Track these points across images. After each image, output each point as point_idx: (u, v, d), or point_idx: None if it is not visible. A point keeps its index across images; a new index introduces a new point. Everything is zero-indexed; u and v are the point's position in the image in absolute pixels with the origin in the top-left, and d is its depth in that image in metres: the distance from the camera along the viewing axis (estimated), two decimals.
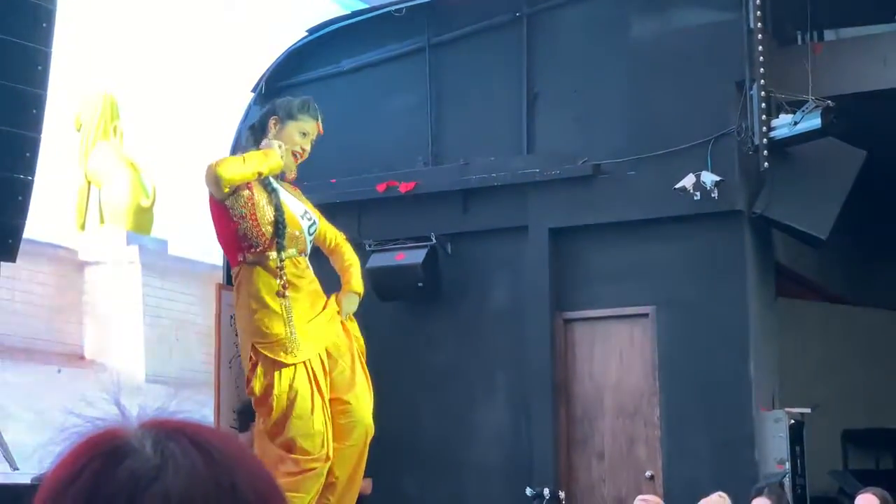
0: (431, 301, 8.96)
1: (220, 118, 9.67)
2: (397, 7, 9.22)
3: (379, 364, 8.92)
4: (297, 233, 4.54)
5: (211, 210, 4.62)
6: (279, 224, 4.47)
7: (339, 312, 4.79)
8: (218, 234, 4.64)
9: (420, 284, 8.84)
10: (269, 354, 4.48)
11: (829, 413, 9.76)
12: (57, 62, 6.52)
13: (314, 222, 4.71)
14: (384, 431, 8.17)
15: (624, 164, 8.41)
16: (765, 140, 7.98)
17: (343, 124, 9.69)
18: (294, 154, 4.80)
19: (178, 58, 13.67)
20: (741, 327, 8.12)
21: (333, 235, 4.97)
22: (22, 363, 11.16)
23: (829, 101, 7.86)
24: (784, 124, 7.97)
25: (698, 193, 8.02)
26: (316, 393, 4.43)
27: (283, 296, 4.47)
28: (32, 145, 6.38)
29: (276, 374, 4.46)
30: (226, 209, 4.52)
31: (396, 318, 9.12)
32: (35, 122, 6.39)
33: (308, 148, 4.83)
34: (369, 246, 9.07)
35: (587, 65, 8.74)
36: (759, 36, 8.04)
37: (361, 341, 5.03)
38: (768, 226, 8.37)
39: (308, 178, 9.66)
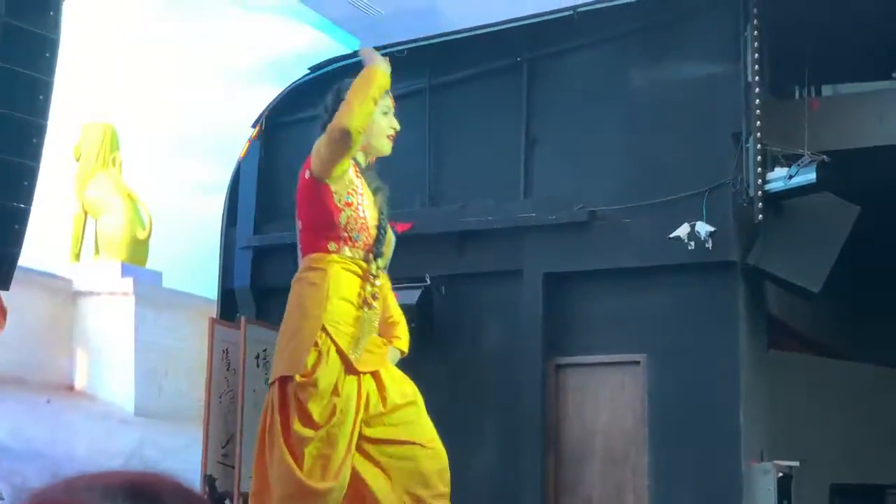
0: (424, 342, 8.94)
1: (219, 153, 9.69)
2: (399, 47, 9.29)
3: None
4: (388, 236, 4.23)
5: (304, 190, 4.14)
6: (381, 229, 4.11)
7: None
8: (306, 215, 4.16)
9: (413, 325, 8.82)
10: (345, 348, 4.07)
11: (818, 467, 9.75)
12: (58, 91, 6.55)
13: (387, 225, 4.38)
14: None
15: (620, 211, 8.45)
16: (760, 192, 8.03)
17: None
18: (389, 136, 4.31)
19: (179, 91, 13.75)
20: (732, 378, 8.12)
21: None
22: (11, 392, 11.12)
23: (825, 156, 7.92)
24: (779, 177, 8.02)
25: (692, 243, 8.06)
26: (356, 421, 4.08)
27: (371, 306, 4.06)
28: (31, 174, 6.40)
29: (342, 375, 4.01)
30: (329, 191, 4.06)
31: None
32: (35, 152, 6.41)
33: (397, 125, 4.31)
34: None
35: (586, 112, 8.80)
36: (757, 89, 8.11)
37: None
38: (761, 278, 8.39)
39: None
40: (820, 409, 10.64)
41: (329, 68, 9.60)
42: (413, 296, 8.85)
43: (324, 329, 4.02)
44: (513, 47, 9.01)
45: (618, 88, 8.76)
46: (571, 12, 8.55)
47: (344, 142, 3.88)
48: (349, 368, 4.02)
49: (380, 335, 4.28)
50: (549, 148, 8.90)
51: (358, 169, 4.15)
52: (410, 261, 9.03)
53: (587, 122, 8.77)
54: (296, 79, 9.80)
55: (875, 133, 8.83)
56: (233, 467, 8.37)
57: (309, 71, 9.66)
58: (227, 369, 8.57)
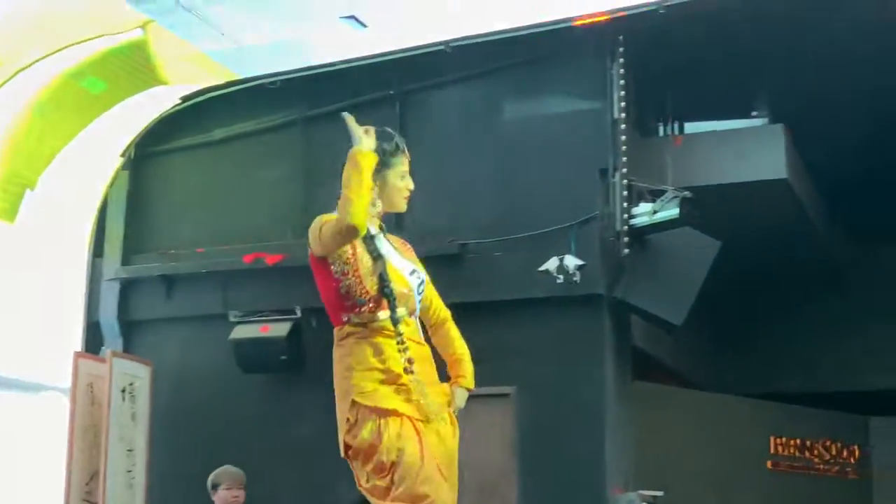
0: (295, 374, 8.91)
1: (84, 184, 9.51)
2: (272, 79, 9.26)
3: (241, 437, 8.86)
4: (406, 290, 4.05)
5: (313, 269, 4.10)
6: (383, 277, 3.98)
7: (448, 404, 4.16)
8: (321, 293, 4.14)
9: (284, 357, 8.80)
10: (369, 404, 3.89)
11: (681, 496, 9.93)
12: None
13: (423, 281, 4.16)
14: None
15: (490, 244, 8.54)
16: (625, 227, 8.20)
17: (213, 194, 9.67)
18: (405, 197, 4.17)
19: None
20: (598, 410, 8.24)
21: (439, 306, 4.35)
22: None
23: (688, 192, 8.11)
24: (644, 212, 8.19)
25: (561, 276, 8.16)
26: (425, 446, 3.97)
27: (411, 371, 3.93)
28: None
29: (382, 422, 3.90)
30: (327, 267, 4.00)
31: (260, 391, 9.04)
32: None
33: (412, 185, 4.18)
34: (234, 317, 9.01)
35: (458, 145, 8.89)
36: (623, 126, 8.29)
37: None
38: (627, 310, 8.50)
39: (175, 246, 9.62)
40: (683, 438, 10.86)
41: (199, 98, 9.52)
42: (284, 328, 8.80)
43: (353, 402, 3.97)
44: (386, 80, 9.05)
45: (489, 123, 8.87)
46: (444, 46, 8.64)
47: (351, 236, 3.86)
48: (380, 413, 3.96)
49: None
50: (421, 180, 8.87)
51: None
52: (281, 293, 9.01)
53: (459, 156, 8.85)
54: (166, 108, 9.67)
55: (735, 170, 9.11)
56: None
57: (180, 100, 9.56)
58: (92, 403, 8.38)
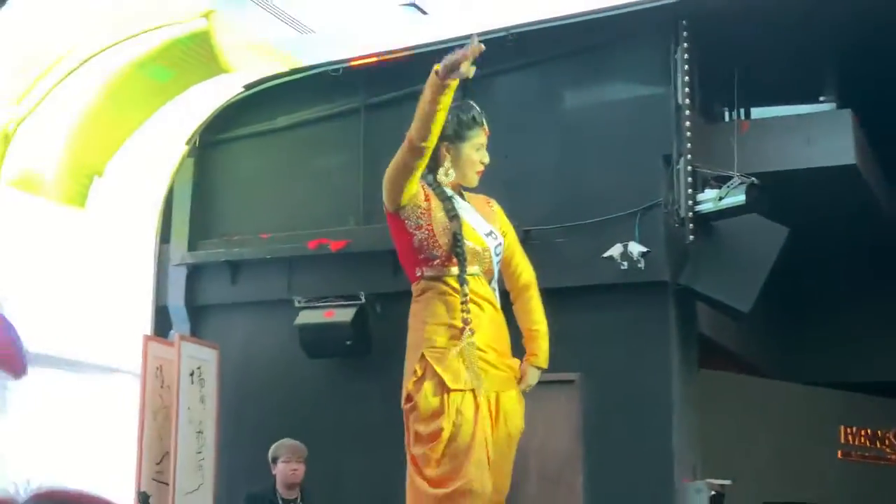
0: (360, 360, 8.96)
1: (151, 171, 9.61)
2: (335, 66, 9.30)
3: (305, 421, 8.93)
4: (480, 249, 4.02)
5: (390, 227, 4.16)
6: (456, 235, 3.96)
7: (518, 380, 4.09)
8: (398, 251, 4.20)
9: (349, 343, 8.85)
10: (438, 369, 3.87)
11: (749, 485, 9.87)
12: None
13: (500, 243, 4.14)
14: (312, 489, 8.14)
15: (553, 231, 8.51)
16: (690, 214, 8.13)
17: (276, 180, 9.75)
18: (478, 172, 4.18)
19: None
20: (664, 397, 8.20)
21: (523, 268, 4.28)
22: None
23: (754, 178, 8.03)
24: (709, 199, 8.12)
25: (625, 263, 8.12)
26: (479, 429, 3.87)
27: (467, 315, 3.87)
28: None
29: (446, 396, 3.86)
30: (402, 221, 4.02)
31: (325, 376, 9.11)
32: None
33: (487, 158, 4.19)
34: (299, 302, 9.08)
35: (520, 132, 8.86)
36: (687, 112, 8.22)
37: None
38: (692, 298, 8.45)
39: (240, 232, 9.72)
40: (750, 427, 10.77)
41: (263, 87, 9.58)
42: (348, 313, 8.85)
43: (423, 356, 3.98)
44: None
45: (551, 109, 8.84)
46: (505, 34, 8.61)
47: (412, 157, 3.86)
48: (446, 388, 3.94)
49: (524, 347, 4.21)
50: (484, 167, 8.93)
51: (434, 192, 4.07)
52: (345, 279, 9.06)
53: (521, 142, 8.83)
54: (230, 97, 9.75)
55: (803, 155, 8.99)
56: (167, 484, 8.30)
57: (243, 89, 9.64)
58: (161, 386, 8.50)
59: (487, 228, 4.13)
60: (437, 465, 3.90)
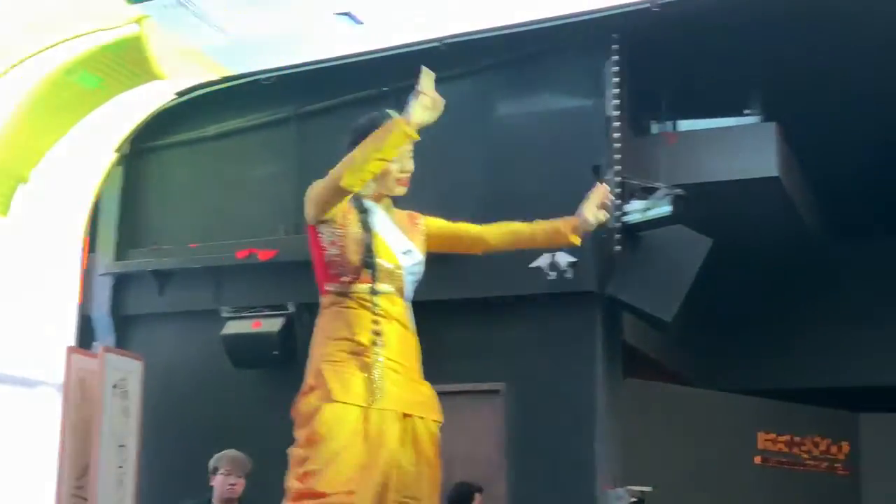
0: (287, 370, 8.91)
1: (78, 179, 9.50)
2: (266, 75, 9.27)
3: (232, 432, 8.86)
4: (392, 266, 3.91)
5: (309, 238, 4.08)
6: (369, 249, 3.87)
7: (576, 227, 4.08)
8: (313, 261, 4.09)
9: (276, 353, 8.81)
10: (330, 381, 3.75)
11: (670, 492, 9.98)
12: None
13: (418, 262, 4.02)
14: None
15: None
16: (618, 224, 8.22)
17: (206, 190, 9.68)
18: (398, 180, 4.00)
19: None
20: (589, 406, 8.26)
21: (470, 226, 4.22)
22: None
23: (680, 190, 8.14)
24: (637, 210, 8.22)
25: (553, 273, 8.18)
26: (361, 446, 3.75)
27: (377, 333, 3.79)
28: None
29: (328, 405, 3.76)
30: (317, 234, 3.98)
31: (251, 387, 9.06)
32: None
33: (411, 166, 4.03)
34: (226, 312, 9.03)
35: (451, 142, 8.89)
36: (616, 123, 8.32)
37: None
38: (618, 307, 8.52)
39: (168, 241, 9.63)
40: (672, 435, 10.90)
41: (194, 94, 9.52)
42: (276, 324, 8.82)
43: (319, 370, 3.90)
44: (381, 76, 9.06)
45: (482, 119, 8.89)
46: (438, 43, 8.65)
47: (335, 195, 3.77)
48: (331, 398, 3.85)
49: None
50: (414, 177, 8.93)
51: (353, 204, 4.00)
52: (273, 289, 9.02)
53: (451, 152, 8.86)
54: (161, 104, 9.67)
55: (727, 168, 9.14)
56: (86, 500, 8.18)
57: (175, 96, 9.56)
58: (83, 399, 8.37)
59: (405, 246, 4.03)
60: (306, 471, 3.85)
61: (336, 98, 9.09)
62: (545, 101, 8.76)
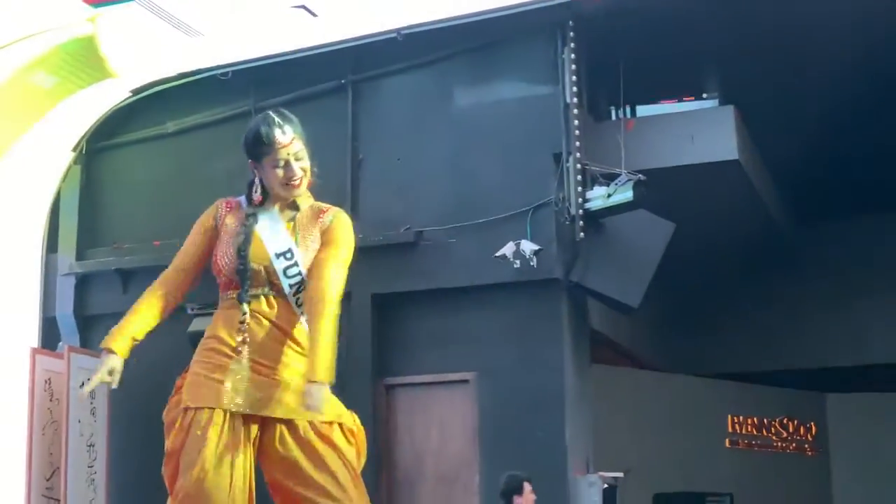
0: None
1: (36, 179, 9.42)
2: (223, 70, 9.22)
3: None
4: (261, 269, 3.87)
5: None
6: (241, 253, 3.84)
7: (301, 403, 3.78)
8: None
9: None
10: (184, 387, 3.79)
11: (641, 477, 10.04)
12: None
13: (294, 263, 3.93)
14: None
15: (446, 231, 8.56)
16: (580, 211, 8.23)
17: (167, 186, 9.62)
18: (285, 186, 3.91)
19: None
20: (558, 393, 8.27)
21: (316, 283, 3.93)
22: None
23: (641, 175, 8.16)
24: (598, 196, 8.23)
25: (518, 262, 8.18)
26: (224, 450, 3.71)
27: (244, 335, 3.76)
28: None
29: (183, 412, 3.76)
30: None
31: None
32: None
33: (298, 171, 3.93)
34: (192, 310, 8.97)
35: (411, 133, 8.89)
36: (575, 111, 8.33)
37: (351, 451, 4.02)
38: (584, 294, 8.55)
39: (130, 239, 9.57)
40: (641, 419, 10.96)
41: (151, 91, 9.46)
42: None
43: (183, 373, 3.93)
44: (338, 69, 9.05)
45: (441, 110, 8.88)
46: (395, 34, 8.64)
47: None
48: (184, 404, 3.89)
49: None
50: (375, 169, 8.95)
51: (237, 210, 4.01)
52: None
53: (412, 144, 8.86)
54: (117, 102, 9.60)
55: (688, 152, 9.17)
56: (58, 501, 8.13)
57: (131, 94, 9.49)
58: (51, 400, 8.33)
59: (284, 247, 3.92)
60: (173, 483, 3.87)
61: (295, 91, 9.06)
62: (504, 90, 8.76)
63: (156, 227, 9.43)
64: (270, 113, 3.91)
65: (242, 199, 4.04)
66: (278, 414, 3.82)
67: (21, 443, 8.16)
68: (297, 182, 3.95)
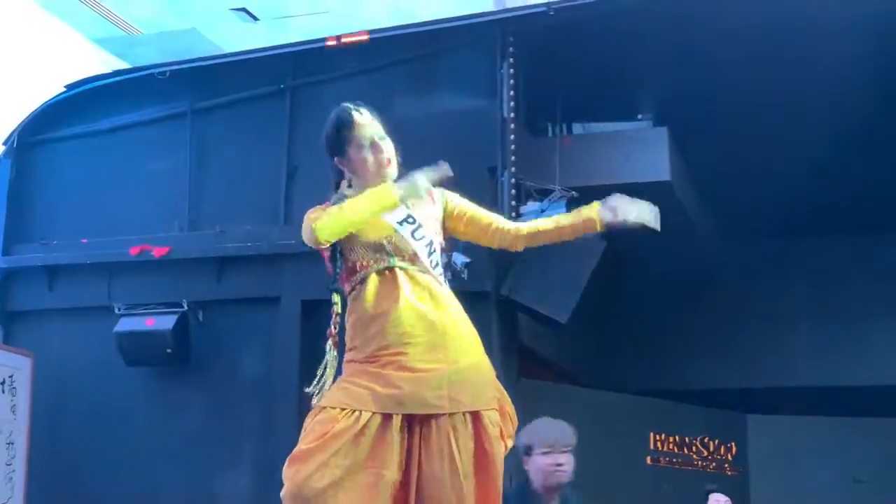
0: (180, 368, 8.83)
1: None
2: (160, 69, 9.16)
3: (125, 431, 8.75)
4: (382, 239, 3.86)
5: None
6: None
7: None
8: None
9: (169, 351, 8.71)
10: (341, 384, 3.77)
11: None
12: None
13: (418, 226, 3.94)
14: (125, 498, 7.99)
15: None
16: None
17: (99, 184, 9.54)
18: (382, 165, 3.95)
19: None
20: None
21: (495, 217, 4.09)
22: None
23: (574, 192, 8.23)
24: (532, 211, 8.28)
25: (449, 273, 8.18)
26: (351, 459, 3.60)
27: (333, 330, 3.77)
28: None
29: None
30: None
31: (144, 385, 8.94)
32: None
33: (384, 146, 4.00)
34: (119, 309, 8.90)
35: None
36: (512, 125, 8.39)
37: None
38: (514, 308, 8.59)
39: (58, 236, 9.46)
40: None
41: (86, 87, 9.37)
42: (169, 321, 8.72)
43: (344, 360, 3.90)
44: (276, 73, 9.03)
45: (380, 119, 8.87)
46: (335, 42, 8.64)
47: (312, 242, 3.75)
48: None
49: None
50: (310, 175, 8.91)
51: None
52: (167, 286, 8.92)
53: None
54: (50, 96, 9.51)
55: (622, 170, 9.26)
56: None
57: (65, 89, 9.40)
58: (13, 395, 8.23)
59: (402, 215, 3.91)
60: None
61: (231, 94, 9.03)
62: (441, 102, 8.79)
63: (85, 224, 9.34)
64: (343, 104, 3.96)
65: (330, 201, 3.95)
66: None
67: None
68: (388, 160, 3.95)
